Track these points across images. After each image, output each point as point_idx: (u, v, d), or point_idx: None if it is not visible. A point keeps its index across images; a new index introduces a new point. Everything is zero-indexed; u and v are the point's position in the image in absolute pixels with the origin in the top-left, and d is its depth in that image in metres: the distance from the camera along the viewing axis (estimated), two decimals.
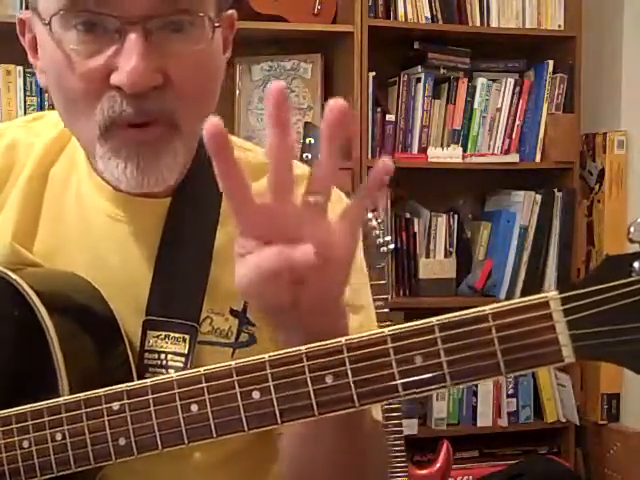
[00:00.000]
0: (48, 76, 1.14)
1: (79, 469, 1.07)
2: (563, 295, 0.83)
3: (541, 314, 0.84)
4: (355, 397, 0.93)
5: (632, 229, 0.81)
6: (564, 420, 3.79)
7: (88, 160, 1.23)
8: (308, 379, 0.94)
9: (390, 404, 2.85)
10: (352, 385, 0.93)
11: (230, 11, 1.17)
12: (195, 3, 1.08)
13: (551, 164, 3.77)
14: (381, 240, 3.05)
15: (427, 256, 3.77)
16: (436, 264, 3.76)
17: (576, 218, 3.80)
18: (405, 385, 0.91)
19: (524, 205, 3.81)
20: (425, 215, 3.79)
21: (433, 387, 0.90)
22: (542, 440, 3.86)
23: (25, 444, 1.09)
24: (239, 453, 1.30)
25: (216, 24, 1.11)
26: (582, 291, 0.82)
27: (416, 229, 3.73)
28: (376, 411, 1.25)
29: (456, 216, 3.83)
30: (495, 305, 0.86)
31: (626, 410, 3.84)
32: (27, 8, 1.15)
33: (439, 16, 3.64)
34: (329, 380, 0.93)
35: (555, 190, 3.80)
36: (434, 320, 0.89)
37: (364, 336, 0.92)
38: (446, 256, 3.79)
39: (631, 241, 0.81)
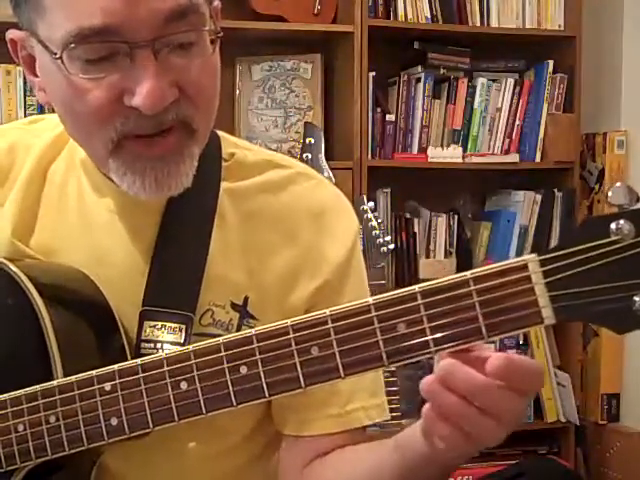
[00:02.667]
0: (54, 99, 1.15)
1: (72, 451, 1.09)
2: (542, 257, 0.84)
3: (520, 277, 0.85)
4: (340, 367, 0.94)
5: (610, 193, 0.82)
6: (564, 420, 3.77)
7: (95, 163, 1.24)
8: (294, 351, 0.95)
9: (389, 403, 2.85)
10: (337, 355, 0.93)
11: (216, 2, 1.18)
12: (197, 19, 1.09)
13: (551, 164, 3.77)
14: (381, 240, 3.05)
15: (427, 256, 3.77)
16: (436, 264, 3.75)
17: (576, 218, 3.79)
18: (389, 353, 0.91)
19: (524, 205, 3.81)
20: (425, 215, 3.79)
21: (417, 354, 0.91)
22: (542, 440, 3.84)
23: (20, 428, 1.11)
24: (236, 447, 1.31)
25: (219, 34, 1.13)
26: (561, 253, 0.83)
27: (416, 229, 3.73)
28: None
29: (456, 216, 3.82)
30: (476, 270, 0.87)
31: (626, 410, 3.83)
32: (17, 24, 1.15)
33: (439, 16, 3.64)
34: (315, 351, 0.94)
35: (555, 190, 3.80)
36: (416, 288, 0.90)
37: (348, 306, 0.93)
38: (446, 256, 3.79)
39: (610, 204, 0.81)
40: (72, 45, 1.04)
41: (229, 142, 1.33)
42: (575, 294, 0.82)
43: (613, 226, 0.80)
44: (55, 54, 1.06)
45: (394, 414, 2.97)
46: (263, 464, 1.36)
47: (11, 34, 1.17)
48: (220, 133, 1.33)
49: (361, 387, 1.27)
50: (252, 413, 1.31)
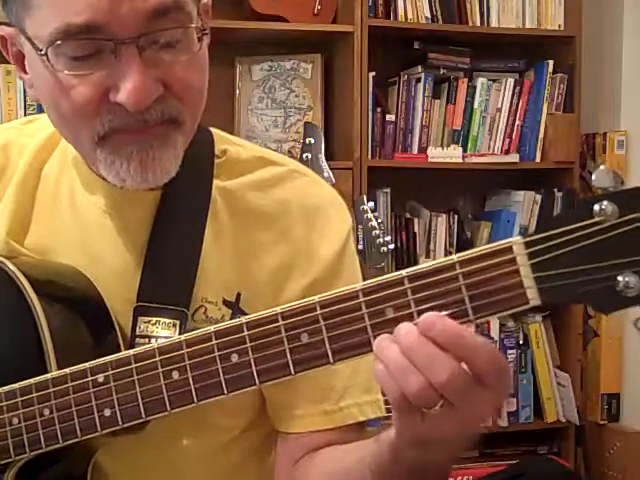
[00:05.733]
0: (41, 95, 1.15)
1: (66, 443, 1.09)
2: (526, 239, 0.84)
3: (505, 259, 0.85)
4: (330, 353, 0.94)
5: (594, 176, 0.82)
6: (564, 420, 3.78)
7: (83, 157, 1.24)
8: (284, 338, 0.96)
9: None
10: (326, 341, 0.94)
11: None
12: (182, 17, 1.09)
13: (551, 164, 3.77)
14: (381, 240, 3.05)
15: (427, 256, 3.77)
16: None
17: None
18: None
19: (524, 205, 3.81)
20: (425, 215, 3.79)
21: None
22: (542, 440, 3.85)
23: (14, 421, 1.11)
24: (232, 444, 1.32)
25: (205, 32, 1.13)
26: (545, 234, 0.83)
27: (416, 229, 3.73)
28: None
29: (456, 216, 3.83)
30: (462, 253, 0.87)
31: (626, 410, 3.83)
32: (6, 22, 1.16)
33: (439, 16, 3.65)
34: (304, 338, 0.95)
35: (555, 190, 3.80)
36: (403, 272, 0.90)
37: (336, 292, 0.93)
38: (446, 256, 3.75)
39: (594, 187, 0.82)
40: (58, 42, 1.05)
41: (222, 139, 1.33)
42: (560, 275, 0.83)
43: (597, 207, 0.81)
44: (41, 50, 1.07)
45: None
46: (259, 461, 1.37)
47: (1, 31, 1.18)
48: (213, 130, 1.33)
49: (355, 384, 1.27)
50: (247, 410, 1.31)
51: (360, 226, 3.08)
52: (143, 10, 1.05)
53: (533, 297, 0.84)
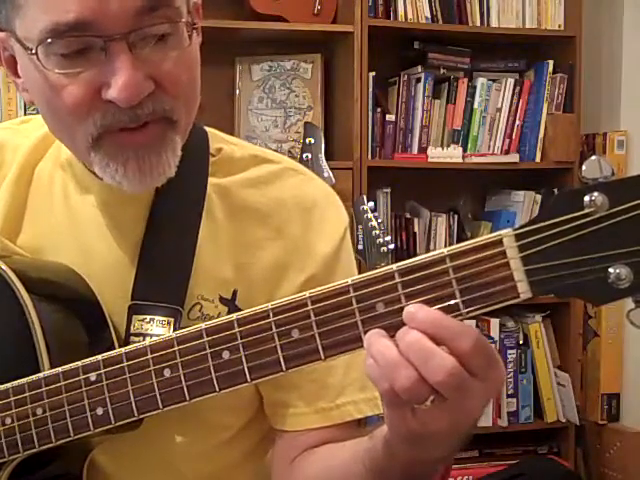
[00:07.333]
0: (35, 97, 1.15)
1: (59, 442, 1.09)
2: (517, 232, 0.84)
3: (496, 252, 0.85)
4: (320, 349, 0.93)
5: (584, 167, 0.82)
6: (564, 420, 3.77)
7: (78, 159, 1.24)
8: (275, 334, 0.95)
9: None
10: (317, 337, 0.93)
11: None
12: (172, 12, 1.09)
13: (551, 164, 3.77)
14: (381, 240, 3.05)
15: None
16: None
17: None
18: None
19: (524, 205, 3.81)
20: (425, 215, 3.78)
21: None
22: (542, 440, 3.84)
23: (8, 420, 1.11)
24: (229, 443, 1.32)
25: (194, 27, 1.13)
26: (535, 226, 0.83)
27: (416, 229, 3.72)
28: None
29: (456, 216, 3.82)
30: (452, 247, 0.86)
31: (626, 410, 3.83)
32: None
33: (439, 16, 3.64)
34: (295, 334, 0.94)
35: (555, 190, 3.79)
36: (394, 267, 0.89)
37: (327, 288, 0.93)
38: None
39: (584, 178, 0.81)
40: (48, 41, 1.05)
41: (217, 138, 1.33)
42: (550, 267, 0.82)
43: (587, 199, 0.80)
44: (31, 50, 1.07)
45: None
46: (257, 459, 1.36)
47: None
48: (208, 129, 1.33)
49: (351, 381, 1.27)
50: (246, 409, 1.31)
51: (360, 226, 3.08)
52: (132, 6, 1.05)
53: (524, 290, 0.84)
